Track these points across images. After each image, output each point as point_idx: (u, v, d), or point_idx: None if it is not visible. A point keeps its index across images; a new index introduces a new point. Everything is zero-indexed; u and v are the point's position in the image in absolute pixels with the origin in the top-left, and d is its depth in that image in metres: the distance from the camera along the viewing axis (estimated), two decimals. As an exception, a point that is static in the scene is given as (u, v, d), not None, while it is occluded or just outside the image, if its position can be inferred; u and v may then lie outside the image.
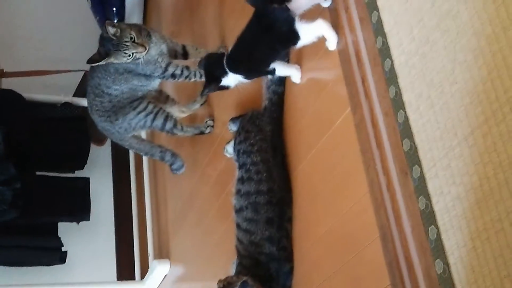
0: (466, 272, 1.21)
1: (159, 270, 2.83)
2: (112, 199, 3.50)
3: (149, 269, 2.91)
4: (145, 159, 3.11)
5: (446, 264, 1.27)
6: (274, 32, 1.67)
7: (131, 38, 2.05)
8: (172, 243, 2.86)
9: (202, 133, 2.44)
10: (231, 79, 1.82)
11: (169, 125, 2.35)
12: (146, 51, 2.10)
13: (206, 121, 2.45)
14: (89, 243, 3.31)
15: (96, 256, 3.32)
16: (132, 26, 2.13)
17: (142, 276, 3.00)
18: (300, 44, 1.68)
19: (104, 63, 2.10)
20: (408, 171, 1.39)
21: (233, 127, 2.08)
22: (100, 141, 3.40)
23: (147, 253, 2.98)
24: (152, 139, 2.99)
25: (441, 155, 1.29)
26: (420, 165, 1.35)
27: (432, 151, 1.32)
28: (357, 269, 1.54)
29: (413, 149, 1.37)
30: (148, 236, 2.99)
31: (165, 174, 2.95)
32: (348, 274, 1.58)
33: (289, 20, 1.64)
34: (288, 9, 1.63)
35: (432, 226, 1.31)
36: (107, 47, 2.07)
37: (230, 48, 1.82)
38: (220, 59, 1.82)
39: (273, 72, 1.80)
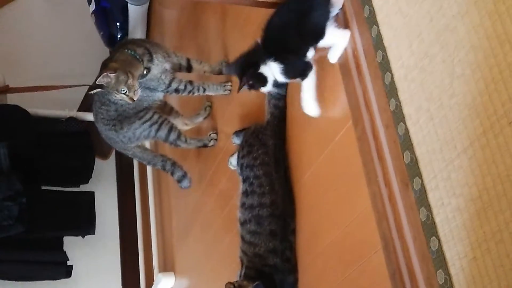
0: (467, 283, 1.23)
1: (164, 283, 2.84)
2: (117, 213, 3.52)
3: (154, 282, 2.92)
4: (149, 172, 3.13)
5: (448, 274, 1.28)
6: (307, 21, 1.62)
7: (122, 90, 2.11)
8: (177, 256, 2.87)
9: (205, 146, 2.47)
10: (269, 69, 1.69)
11: (173, 136, 2.37)
12: (133, 102, 2.17)
13: (210, 134, 2.47)
14: (94, 257, 3.32)
15: (101, 270, 3.33)
16: (133, 55, 2.17)
17: (148, 289, 3.02)
18: (319, 43, 1.66)
19: (95, 92, 2.19)
20: (409, 182, 1.41)
21: (237, 141, 2.11)
22: (105, 155, 3.43)
23: (152, 266, 3.00)
24: (156, 151, 3.01)
25: (441, 167, 1.31)
26: (420, 177, 1.37)
27: (432, 163, 1.34)
28: (360, 280, 1.56)
29: (414, 161, 1.39)
30: (153, 249, 3.00)
31: (169, 187, 2.97)
32: (351, 285, 1.59)
33: (325, 15, 1.63)
34: (329, 3, 1.63)
35: (434, 237, 1.33)
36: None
37: (260, 37, 1.72)
38: (255, 47, 1.71)
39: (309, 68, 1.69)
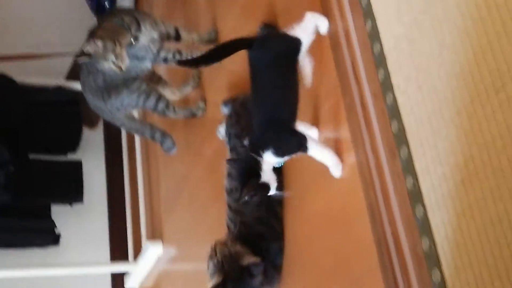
0: (451, 249, 1.25)
1: (152, 251, 2.86)
2: (105, 181, 3.52)
3: (142, 250, 2.94)
4: (137, 141, 3.13)
5: (432, 241, 1.31)
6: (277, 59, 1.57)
7: (110, 59, 2.10)
8: (165, 224, 2.89)
9: (194, 115, 2.47)
10: (268, 162, 1.56)
11: (161, 106, 2.37)
12: (122, 71, 2.16)
13: (198, 104, 2.47)
14: (82, 225, 3.33)
15: (89, 238, 3.34)
16: (120, 22, 2.15)
17: (135, 257, 3.03)
18: (304, 47, 1.61)
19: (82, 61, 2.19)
20: (396, 151, 1.43)
21: (225, 110, 2.11)
22: (93, 124, 3.41)
23: (140, 234, 3.01)
24: (144, 120, 3.01)
25: (428, 136, 1.33)
26: (407, 146, 1.39)
27: (420, 132, 1.36)
28: (346, 247, 1.58)
29: (401, 130, 1.41)
30: (141, 217, 3.01)
31: (157, 156, 2.97)
32: (337, 252, 1.62)
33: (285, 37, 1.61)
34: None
35: (419, 204, 1.35)
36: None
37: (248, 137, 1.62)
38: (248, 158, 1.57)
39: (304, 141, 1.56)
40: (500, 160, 1.14)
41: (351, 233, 1.57)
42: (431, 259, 1.30)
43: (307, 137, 1.56)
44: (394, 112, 1.44)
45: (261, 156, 1.53)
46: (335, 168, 1.60)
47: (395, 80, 1.44)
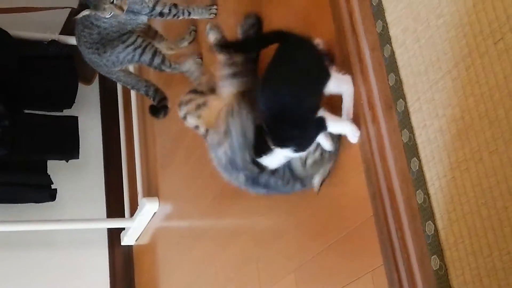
0: (445, 201, 1.25)
1: (148, 207, 2.87)
2: (101, 138, 3.51)
3: (138, 207, 2.95)
4: (133, 97, 3.11)
5: (427, 194, 1.31)
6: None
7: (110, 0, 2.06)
8: (161, 181, 2.89)
9: (190, 71, 2.44)
10: (278, 156, 1.52)
11: (157, 60, 2.35)
12: (123, 12, 2.10)
13: (195, 59, 2.45)
14: (78, 181, 3.33)
15: (85, 194, 3.34)
16: None
17: (132, 213, 3.04)
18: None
19: (82, 15, 2.12)
20: (392, 105, 1.42)
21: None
22: (88, 80, 3.38)
23: (137, 191, 3.02)
24: (140, 75, 2.98)
25: (425, 89, 1.32)
26: (404, 99, 1.38)
27: (417, 85, 1.34)
28: (341, 200, 1.59)
29: (398, 83, 1.40)
30: (137, 174, 3.02)
31: (153, 113, 2.96)
32: (331, 204, 1.62)
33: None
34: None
35: (415, 158, 1.34)
36: (88, 1, 2.08)
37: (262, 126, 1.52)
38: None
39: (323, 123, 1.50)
40: (497, 112, 1.13)
41: (346, 187, 1.57)
42: (425, 211, 1.31)
43: (324, 117, 1.49)
44: (391, 65, 1.42)
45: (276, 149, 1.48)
46: (353, 135, 1.52)
47: (393, 32, 1.42)
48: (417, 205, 1.33)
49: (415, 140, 1.35)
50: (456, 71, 1.23)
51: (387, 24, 1.43)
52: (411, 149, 1.36)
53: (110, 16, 2.13)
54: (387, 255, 1.41)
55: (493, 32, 1.13)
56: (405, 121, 1.38)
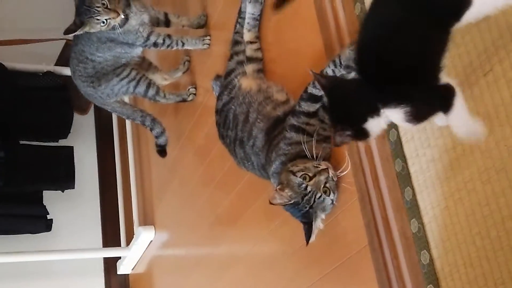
0: (440, 230, 1.26)
1: (144, 236, 2.86)
2: (97, 167, 3.52)
3: (134, 236, 2.95)
4: (128, 126, 3.12)
5: (421, 223, 1.32)
6: None
7: (103, 4, 2.06)
8: (156, 209, 2.90)
9: (184, 100, 2.46)
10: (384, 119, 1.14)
11: (151, 92, 2.37)
12: (119, 17, 2.10)
13: (189, 89, 2.47)
14: (74, 211, 3.32)
15: (81, 224, 3.34)
16: None
17: (128, 242, 3.03)
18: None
19: (80, 33, 2.11)
20: (385, 134, 1.43)
21: (216, 87, 2.12)
22: (83, 110, 3.39)
23: (132, 220, 3.02)
24: (135, 105, 3.00)
25: (417, 119, 1.33)
26: (396, 129, 1.40)
27: (408, 115, 1.36)
28: (336, 229, 1.59)
29: (390, 113, 1.41)
30: (133, 203, 3.02)
31: (148, 142, 2.97)
32: (327, 234, 1.62)
33: None
34: None
35: (408, 187, 1.36)
36: (82, 16, 2.08)
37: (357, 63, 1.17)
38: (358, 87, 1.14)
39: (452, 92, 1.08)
40: (488, 142, 1.14)
41: (341, 216, 1.58)
42: (420, 241, 1.31)
43: (453, 86, 1.08)
44: (383, 95, 1.44)
45: (375, 111, 1.10)
46: (477, 135, 1.14)
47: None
48: (412, 234, 1.34)
49: (408, 169, 1.37)
50: (446, 101, 1.24)
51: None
52: (404, 178, 1.37)
53: (106, 25, 2.09)
54: (383, 284, 1.41)
55: (482, 64, 1.15)
56: (397, 150, 1.39)
